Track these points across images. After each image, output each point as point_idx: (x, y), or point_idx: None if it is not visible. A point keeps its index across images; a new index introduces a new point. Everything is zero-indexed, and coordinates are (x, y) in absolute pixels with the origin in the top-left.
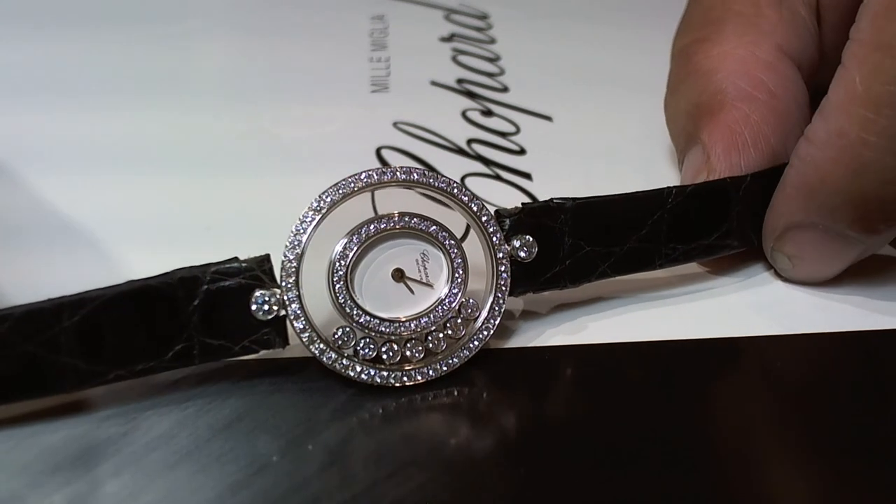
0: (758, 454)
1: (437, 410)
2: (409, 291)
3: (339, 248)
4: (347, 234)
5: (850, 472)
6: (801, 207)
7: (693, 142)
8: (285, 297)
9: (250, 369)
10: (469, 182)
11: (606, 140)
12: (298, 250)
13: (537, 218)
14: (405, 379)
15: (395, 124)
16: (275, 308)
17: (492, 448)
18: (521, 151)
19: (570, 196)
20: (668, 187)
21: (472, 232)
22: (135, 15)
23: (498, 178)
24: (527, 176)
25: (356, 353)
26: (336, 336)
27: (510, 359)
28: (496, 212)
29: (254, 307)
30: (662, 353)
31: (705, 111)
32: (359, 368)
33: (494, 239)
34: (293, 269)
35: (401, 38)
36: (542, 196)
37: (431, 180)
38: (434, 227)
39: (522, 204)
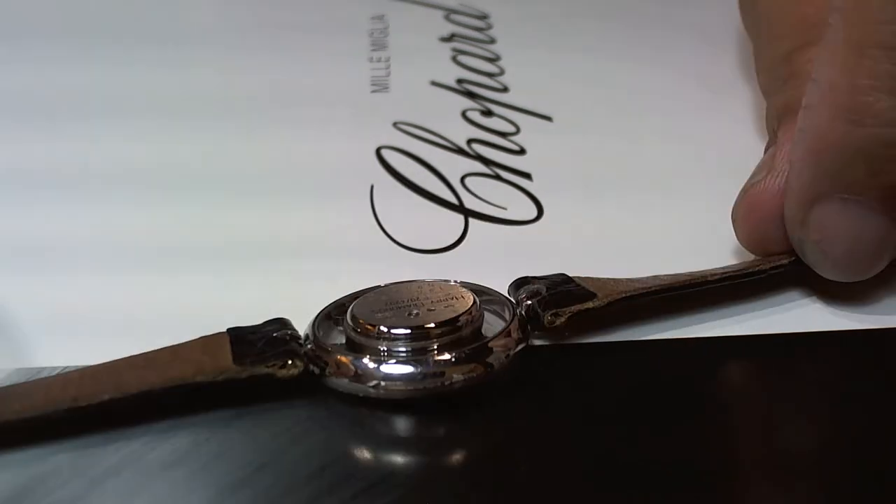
0: (758, 454)
1: (437, 409)
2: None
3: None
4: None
5: (850, 471)
6: (812, 176)
7: (772, 140)
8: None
9: None
10: (469, 182)
11: (606, 140)
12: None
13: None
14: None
15: (395, 124)
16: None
17: (492, 449)
18: (521, 151)
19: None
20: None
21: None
22: (131, 15)
23: (498, 177)
24: (527, 176)
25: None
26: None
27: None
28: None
29: None
30: (663, 352)
31: (790, 111)
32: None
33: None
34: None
35: (401, 38)
36: (543, 196)
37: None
38: None
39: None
